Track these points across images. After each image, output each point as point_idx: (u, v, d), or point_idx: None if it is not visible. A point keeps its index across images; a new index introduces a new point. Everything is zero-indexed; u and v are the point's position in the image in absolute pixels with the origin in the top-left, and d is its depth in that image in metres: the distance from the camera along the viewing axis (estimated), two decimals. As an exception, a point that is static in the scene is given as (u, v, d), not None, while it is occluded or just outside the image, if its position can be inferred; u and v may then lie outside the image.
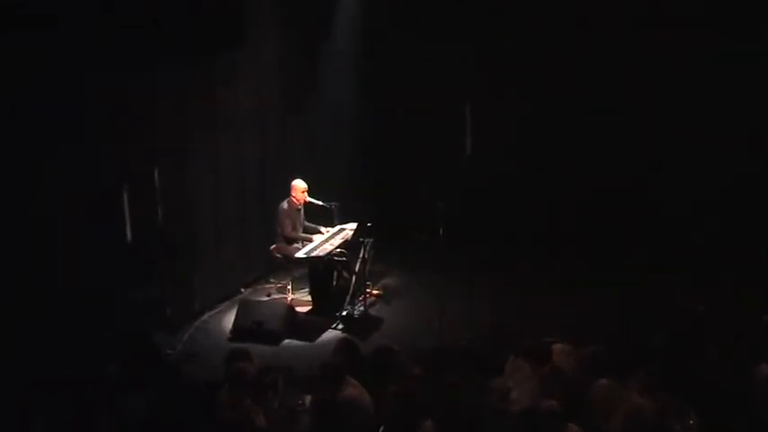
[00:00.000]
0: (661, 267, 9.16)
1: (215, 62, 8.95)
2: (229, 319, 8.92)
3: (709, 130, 9.69)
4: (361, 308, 9.07)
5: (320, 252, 8.97)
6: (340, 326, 8.83)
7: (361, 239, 9.09)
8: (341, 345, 6.64)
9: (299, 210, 9.45)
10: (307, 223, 9.60)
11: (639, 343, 6.47)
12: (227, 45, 8.47)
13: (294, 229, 9.36)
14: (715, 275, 8.86)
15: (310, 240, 9.30)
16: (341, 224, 9.55)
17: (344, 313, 8.97)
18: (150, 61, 7.60)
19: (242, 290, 9.86)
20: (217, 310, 9.35)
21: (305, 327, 8.76)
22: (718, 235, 9.49)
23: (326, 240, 9.24)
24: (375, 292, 9.59)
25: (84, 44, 7.01)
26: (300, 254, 8.97)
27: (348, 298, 9.02)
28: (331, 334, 8.60)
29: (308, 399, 6.27)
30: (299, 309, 9.09)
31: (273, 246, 9.48)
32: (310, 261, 8.99)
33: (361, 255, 9.08)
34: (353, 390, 5.93)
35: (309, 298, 9.30)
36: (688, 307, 7.46)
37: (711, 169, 9.74)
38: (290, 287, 9.48)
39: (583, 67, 10.13)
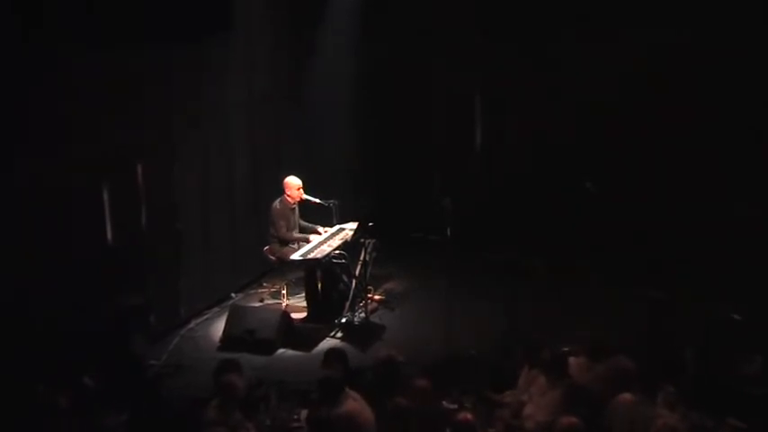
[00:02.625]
0: (692, 271, 9.04)
1: (201, 50, 8.91)
2: (219, 327, 8.88)
3: (736, 136, 9.65)
4: (362, 315, 9.03)
5: (317, 254, 8.92)
6: (339, 334, 8.79)
7: (362, 240, 9.05)
8: (330, 356, 6.59)
9: (294, 209, 9.43)
10: (303, 223, 9.58)
11: (668, 354, 6.40)
12: (213, 31, 8.40)
13: (288, 229, 9.34)
14: (751, 282, 8.73)
15: (307, 241, 9.26)
16: (340, 224, 9.52)
17: (344, 320, 8.94)
18: (131, 46, 7.54)
19: (232, 295, 9.84)
20: (205, 318, 9.33)
21: (300, 335, 8.72)
22: (753, 240, 9.39)
23: (324, 241, 9.20)
24: (377, 297, 9.57)
25: (59, 26, 6.95)
26: (296, 256, 8.92)
27: (348, 304, 9.00)
28: (329, 343, 8.53)
29: (303, 414, 6.32)
30: (294, 315, 9.04)
31: (266, 247, 9.45)
32: (307, 264, 8.92)
33: (361, 257, 9.05)
34: (353, 404, 5.93)
35: (305, 304, 9.25)
36: (722, 315, 7.37)
37: (740, 173, 9.65)
38: (284, 292, 9.45)
39: (596, 60, 10.14)
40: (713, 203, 9.54)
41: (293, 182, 9.30)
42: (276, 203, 9.30)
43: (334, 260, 9.07)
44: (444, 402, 6.59)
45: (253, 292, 9.96)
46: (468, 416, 5.78)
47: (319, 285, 9.16)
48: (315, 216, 9.65)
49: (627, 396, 5.93)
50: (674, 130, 9.77)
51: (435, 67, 10.89)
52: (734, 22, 9.38)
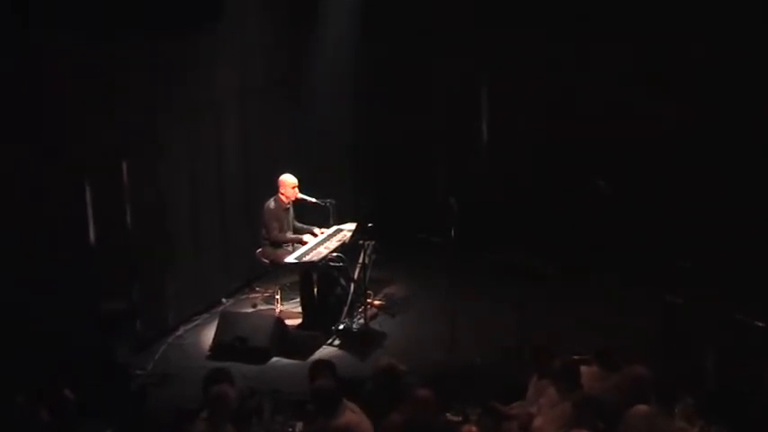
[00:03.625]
0: (712, 276, 8.95)
1: (190, 40, 8.85)
2: (209, 335, 8.85)
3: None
4: (361, 321, 8.99)
5: (313, 256, 8.85)
6: (336, 342, 8.74)
7: (361, 242, 9.01)
8: (318, 368, 6.51)
9: (288, 209, 9.40)
10: (298, 224, 9.53)
11: (686, 363, 6.29)
12: (202, 19, 8.31)
13: (282, 230, 9.31)
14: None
15: (302, 243, 9.19)
16: (337, 225, 9.48)
17: (341, 327, 8.90)
18: (116, 35, 7.51)
19: (223, 300, 9.81)
20: (194, 324, 9.28)
21: (295, 343, 8.66)
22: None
23: (321, 243, 9.15)
24: (377, 302, 9.52)
25: (40, 13, 6.93)
26: (290, 258, 8.87)
27: (346, 309, 8.96)
28: (325, 351, 8.52)
29: (298, 426, 6.31)
30: (288, 322, 8.99)
31: (259, 249, 9.40)
32: (302, 267, 8.87)
33: (360, 259, 9.02)
34: (352, 416, 5.89)
35: (301, 309, 9.19)
36: (744, 323, 7.27)
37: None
38: (278, 297, 9.41)
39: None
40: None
41: (288, 180, 9.24)
42: (270, 203, 9.24)
43: (332, 263, 9.01)
44: (448, 414, 6.50)
45: (245, 296, 9.93)
46: (473, 429, 5.72)
47: (315, 290, 9.09)
48: (311, 216, 9.61)
49: (643, 408, 5.81)
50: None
51: (435, 67, 11.02)
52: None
